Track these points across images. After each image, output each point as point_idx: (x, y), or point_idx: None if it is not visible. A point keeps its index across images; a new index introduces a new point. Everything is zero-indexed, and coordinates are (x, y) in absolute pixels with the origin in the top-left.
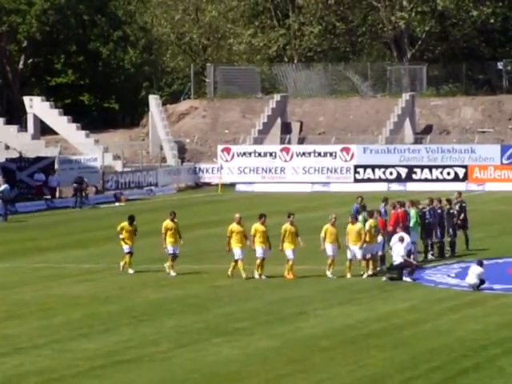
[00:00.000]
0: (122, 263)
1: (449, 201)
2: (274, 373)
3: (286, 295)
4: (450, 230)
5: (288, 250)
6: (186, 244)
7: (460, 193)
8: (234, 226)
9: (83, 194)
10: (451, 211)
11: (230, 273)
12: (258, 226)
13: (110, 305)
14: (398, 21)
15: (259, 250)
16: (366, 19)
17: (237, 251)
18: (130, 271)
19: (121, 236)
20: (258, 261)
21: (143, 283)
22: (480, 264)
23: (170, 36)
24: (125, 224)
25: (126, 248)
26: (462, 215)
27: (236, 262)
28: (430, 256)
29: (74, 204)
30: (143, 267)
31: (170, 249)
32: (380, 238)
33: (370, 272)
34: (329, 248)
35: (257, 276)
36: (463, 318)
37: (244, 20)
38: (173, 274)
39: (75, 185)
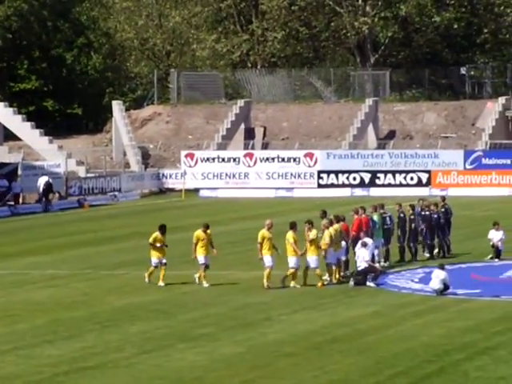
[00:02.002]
0: (155, 275)
1: (412, 206)
2: (238, 378)
3: (251, 301)
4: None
5: (312, 256)
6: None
7: (444, 197)
8: (266, 233)
9: (49, 199)
10: (411, 217)
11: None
12: (291, 234)
13: (74, 311)
14: (361, 26)
15: (293, 260)
16: (329, 25)
17: (267, 258)
18: (161, 284)
19: (158, 244)
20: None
21: (107, 289)
22: (441, 268)
23: (133, 42)
24: (157, 234)
25: (154, 261)
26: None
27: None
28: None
29: (44, 207)
30: (106, 273)
31: (201, 259)
32: (343, 243)
33: (330, 279)
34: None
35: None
36: (427, 323)
37: (207, 25)
38: (205, 284)
39: (43, 187)
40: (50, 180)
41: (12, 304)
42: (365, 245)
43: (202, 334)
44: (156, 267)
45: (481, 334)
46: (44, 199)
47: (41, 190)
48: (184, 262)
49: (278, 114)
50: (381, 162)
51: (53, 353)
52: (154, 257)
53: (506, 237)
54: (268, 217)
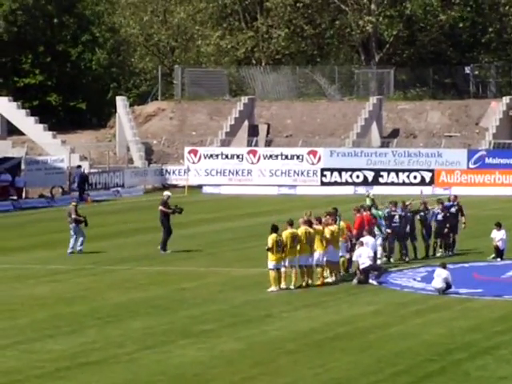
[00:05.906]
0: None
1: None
2: (239, 375)
3: (252, 298)
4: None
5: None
6: (153, 246)
7: (456, 196)
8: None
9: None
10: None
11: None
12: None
13: (75, 306)
14: (366, 24)
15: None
16: (333, 23)
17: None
18: (284, 286)
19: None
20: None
21: (109, 285)
22: (443, 267)
23: (138, 37)
24: (274, 235)
25: (272, 265)
26: (463, 218)
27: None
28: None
29: (79, 199)
30: (108, 268)
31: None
32: (340, 242)
33: (334, 278)
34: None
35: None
36: (428, 322)
37: (212, 22)
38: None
39: (78, 180)
40: (86, 171)
41: (13, 298)
42: (362, 244)
43: (203, 330)
44: (273, 270)
45: (482, 334)
46: (80, 191)
47: (76, 182)
48: (186, 259)
49: (282, 111)
50: (384, 160)
51: (54, 348)
52: (273, 260)
53: (507, 237)
54: (271, 214)
